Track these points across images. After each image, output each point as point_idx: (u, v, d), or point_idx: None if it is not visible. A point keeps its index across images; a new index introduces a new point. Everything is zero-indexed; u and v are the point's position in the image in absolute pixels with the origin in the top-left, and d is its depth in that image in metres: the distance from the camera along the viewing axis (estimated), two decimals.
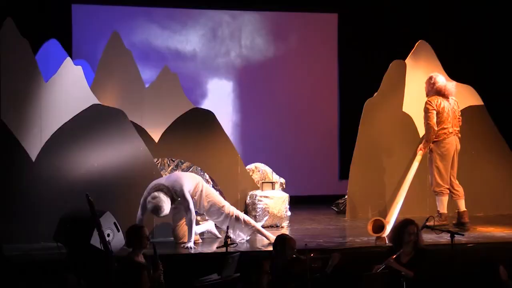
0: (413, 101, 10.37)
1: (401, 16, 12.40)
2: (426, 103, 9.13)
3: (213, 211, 8.22)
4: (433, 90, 9.16)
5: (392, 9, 12.42)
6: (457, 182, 9.22)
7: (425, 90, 9.30)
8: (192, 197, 8.06)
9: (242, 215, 8.30)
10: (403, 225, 6.82)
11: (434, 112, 9.04)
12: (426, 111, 9.08)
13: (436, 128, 9.03)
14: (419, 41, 10.50)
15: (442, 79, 9.22)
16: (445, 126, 9.09)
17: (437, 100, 9.08)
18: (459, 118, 9.27)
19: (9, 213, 8.10)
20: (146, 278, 5.16)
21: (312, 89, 12.75)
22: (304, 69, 12.69)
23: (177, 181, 7.98)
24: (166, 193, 7.86)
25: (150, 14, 12.04)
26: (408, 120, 10.40)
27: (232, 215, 8.19)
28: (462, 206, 9.20)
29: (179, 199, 8.00)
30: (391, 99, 10.37)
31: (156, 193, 7.81)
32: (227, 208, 8.22)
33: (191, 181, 8.13)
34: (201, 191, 8.15)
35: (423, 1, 12.36)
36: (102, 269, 6.39)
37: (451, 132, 9.13)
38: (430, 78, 9.26)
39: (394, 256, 6.65)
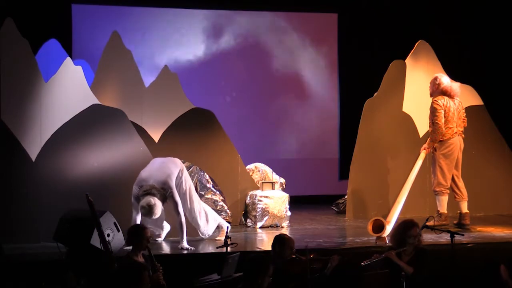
0: (413, 101, 10.38)
1: (401, 16, 12.41)
2: (433, 102, 9.12)
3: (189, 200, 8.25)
4: (438, 90, 9.15)
5: (392, 9, 12.42)
6: (461, 183, 9.22)
7: (429, 90, 9.29)
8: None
9: (210, 213, 8.40)
10: (405, 228, 6.80)
11: (442, 111, 9.04)
12: (434, 110, 9.06)
13: (443, 128, 9.02)
14: (419, 41, 10.50)
15: (447, 80, 9.23)
16: (450, 126, 9.09)
17: (444, 100, 9.08)
18: (463, 119, 9.28)
19: (9, 213, 8.10)
20: (147, 278, 5.15)
21: (312, 89, 12.75)
22: (304, 69, 12.70)
23: (166, 183, 7.86)
24: (159, 197, 7.76)
25: (150, 14, 12.03)
26: (408, 120, 10.40)
27: (203, 210, 8.29)
28: (464, 208, 9.20)
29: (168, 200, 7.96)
30: (391, 99, 10.37)
31: (151, 199, 7.67)
32: (198, 202, 8.32)
33: (175, 172, 8.08)
34: (182, 177, 8.14)
35: (423, 1, 12.36)
36: (102, 269, 6.39)
37: (456, 132, 9.13)
38: (435, 78, 9.25)
39: (395, 252, 6.66)
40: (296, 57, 12.66)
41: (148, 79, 9.89)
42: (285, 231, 9.24)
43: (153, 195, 7.73)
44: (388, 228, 8.20)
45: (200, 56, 12.31)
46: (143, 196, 7.72)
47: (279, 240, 6.61)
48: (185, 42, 12.20)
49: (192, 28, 12.23)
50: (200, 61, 12.30)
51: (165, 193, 7.84)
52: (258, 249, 8.03)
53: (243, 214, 9.80)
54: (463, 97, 9.67)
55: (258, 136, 12.41)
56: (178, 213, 7.92)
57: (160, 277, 6.29)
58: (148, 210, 7.67)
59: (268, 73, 12.55)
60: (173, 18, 12.16)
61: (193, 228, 8.38)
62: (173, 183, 7.93)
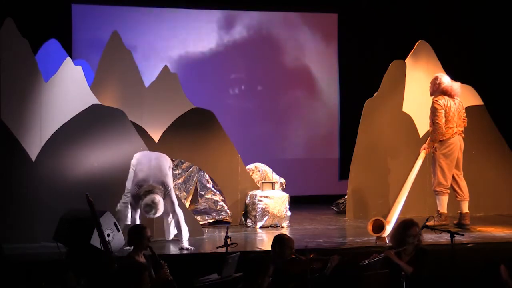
0: (413, 101, 10.39)
1: (401, 16, 12.41)
2: (433, 102, 9.12)
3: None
4: (439, 90, 9.15)
5: (392, 9, 12.42)
6: (464, 183, 9.22)
7: (429, 90, 9.29)
8: None
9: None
10: (405, 227, 6.80)
11: (443, 111, 9.04)
12: (435, 110, 9.06)
13: (444, 128, 9.02)
14: (419, 41, 10.50)
15: (447, 80, 9.23)
16: (450, 126, 9.09)
17: (444, 99, 9.09)
18: (464, 119, 9.28)
19: (9, 213, 8.11)
20: (147, 278, 5.15)
21: (312, 89, 12.76)
22: (304, 69, 12.70)
23: (165, 182, 7.91)
24: (161, 196, 7.81)
25: (150, 14, 12.03)
26: (408, 120, 10.40)
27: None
28: (465, 208, 9.20)
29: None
30: (391, 99, 10.37)
31: (155, 196, 7.73)
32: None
33: (168, 169, 8.10)
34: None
35: (423, 1, 12.36)
36: (102, 269, 6.39)
37: (456, 132, 9.13)
38: (436, 78, 9.25)
39: (395, 251, 6.66)
40: (295, 57, 12.65)
41: (148, 79, 9.89)
42: (285, 231, 9.24)
43: (156, 193, 7.77)
44: (388, 228, 8.20)
45: (202, 55, 12.30)
46: (145, 196, 7.75)
47: (279, 240, 6.61)
48: (184, 42, 12.20)
49: (191, 27, 12.22)
50: (202, 61, 12.29)
51: (164, 192, 7.87)
52: (258, 249, 8.03)
53: (243, 214, 9.80)
54: (463, 97, 9.68)
55: (258, 136, 12.41)
56: (175, 212, 7.94)
57: (167, 273, 6.29)
58: (153, 207, 7.70)
59: (267, 73, 12.54)
60: (173, 18, 12.15)
61: (193, 228, 8.38)
62: (171, 182, 7.96)
